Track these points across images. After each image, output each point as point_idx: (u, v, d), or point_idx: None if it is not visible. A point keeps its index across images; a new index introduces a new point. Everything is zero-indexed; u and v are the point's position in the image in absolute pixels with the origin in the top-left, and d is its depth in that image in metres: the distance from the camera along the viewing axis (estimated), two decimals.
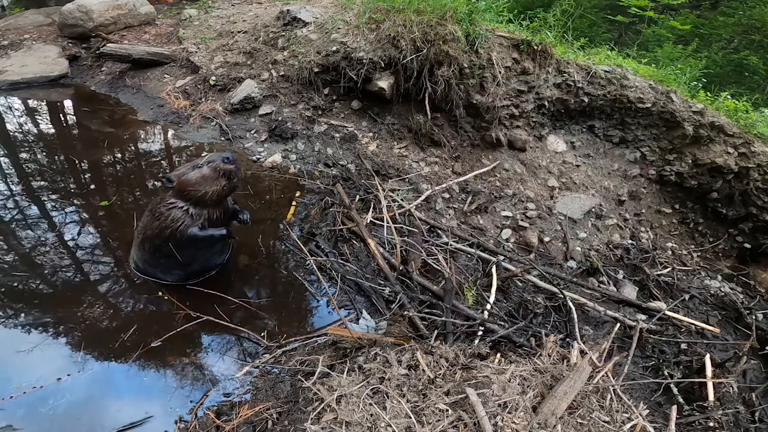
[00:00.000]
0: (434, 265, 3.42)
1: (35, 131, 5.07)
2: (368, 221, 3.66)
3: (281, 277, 3.30)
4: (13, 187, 3.96)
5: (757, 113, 5.06)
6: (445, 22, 4.30)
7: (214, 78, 5.27)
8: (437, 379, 2.22)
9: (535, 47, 4.43)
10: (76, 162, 4.43)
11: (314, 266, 3.16)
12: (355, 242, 3.53)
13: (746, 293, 4.38)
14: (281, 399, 2.40)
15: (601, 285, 3.96)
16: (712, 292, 4.22)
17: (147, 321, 2.83)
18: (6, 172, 4.22)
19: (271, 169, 4.33)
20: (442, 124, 4.68)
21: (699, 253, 4.77)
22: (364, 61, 4.48)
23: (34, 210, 3.72)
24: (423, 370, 2.25)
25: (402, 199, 3.98)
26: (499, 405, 2.00)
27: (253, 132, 4.78)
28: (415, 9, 4.38)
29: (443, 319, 2.88)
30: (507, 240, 4.12)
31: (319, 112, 4.88)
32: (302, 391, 2.29)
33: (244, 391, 2.51)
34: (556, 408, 2.03)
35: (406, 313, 2.90)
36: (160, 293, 2.97)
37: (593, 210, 4.57)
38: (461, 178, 4.41)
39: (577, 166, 4.79)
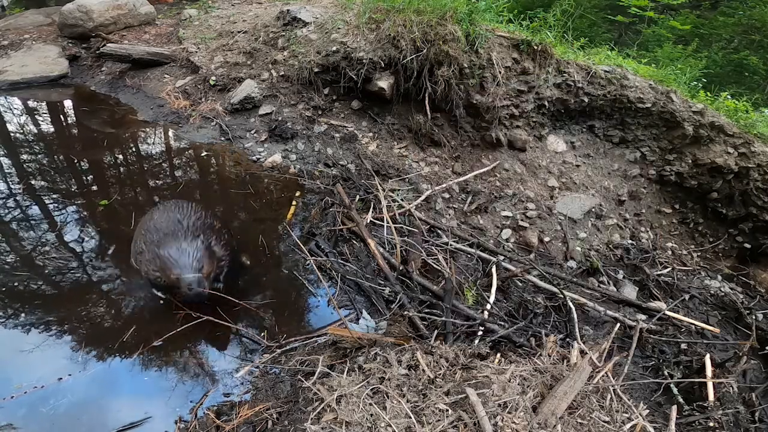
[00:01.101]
0: (434, 265, 3.42)
1: (35, 131, 5.06)
2: (368, 221, 3.66)
3: (281, 277, 3.29)
4: (13, 187, 3.96)
5: (757, 113, 5.06)
6: (445, 22, 4.30)
7: (214, 78, 5.27)
8: (437, 379, 2.22)
9: (535, 47, 4.44)
10: (76, 162, 4.43)
11: (314, 266, 3.16)
12: (355, 242, 3.53)
13: (746, 293, 4.38)
14: (281, 399, 2.40)
15: (601, 285, 3.96)
16: (712, 292, 4.22)
17: (147, 321, 2.83)
18: (6, 172, 4.23)
19: (271, 169, 4.33)
20: (442, 124, 4.68)
21: (699, 253, 4.77)
22: (364, 61, 4.48)
23: (34, 210, 3.72)
24: (423, 370, 2.25)
25: (402, 199, 3.98)
26: (499, 405, 2.01)
27: (253, 132, 4.78)
28: (415, 9, 4.38)
29: (443, 319, 2.88)
30: (507, 240, 4.12)
31: (319, 112, 4.88)
32: (302, 391, 2.29)
33: (244, 391, 2.51)
34: (556, 408, 2.03)
35: (406, 313, 2.90)
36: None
37: (593, 210, 4.57)
38: (461, 178, 4.41)
39: (577, 166, 4.79)
